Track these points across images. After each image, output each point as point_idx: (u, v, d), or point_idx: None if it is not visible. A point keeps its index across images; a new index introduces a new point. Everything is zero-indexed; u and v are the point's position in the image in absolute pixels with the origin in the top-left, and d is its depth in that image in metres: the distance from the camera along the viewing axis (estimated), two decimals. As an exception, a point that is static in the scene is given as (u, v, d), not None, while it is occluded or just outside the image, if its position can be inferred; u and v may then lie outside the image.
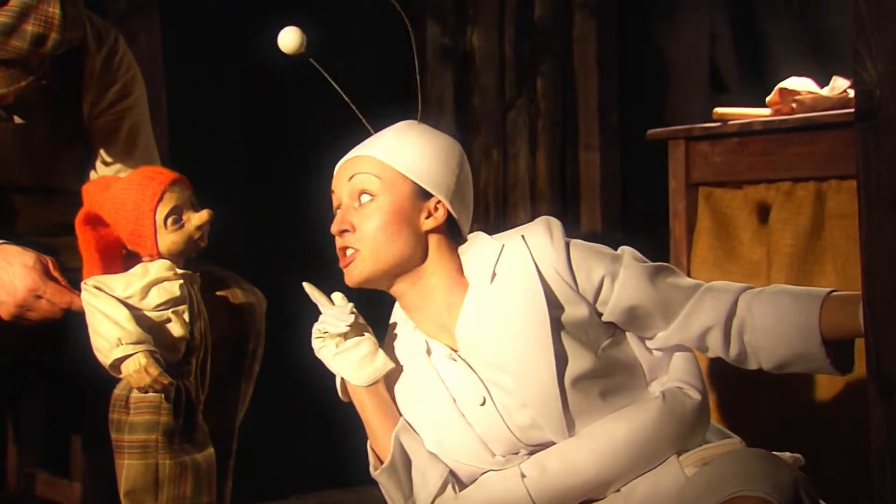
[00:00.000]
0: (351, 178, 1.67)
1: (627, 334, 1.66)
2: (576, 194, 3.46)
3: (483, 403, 1.63)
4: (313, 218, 3.34)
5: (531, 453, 1.63)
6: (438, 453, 1.67)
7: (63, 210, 2.05)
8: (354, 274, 1.66)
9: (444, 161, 1.68)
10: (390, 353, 1.72)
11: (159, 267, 1.82)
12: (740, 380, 2.41)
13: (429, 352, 1.68)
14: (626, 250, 1.67)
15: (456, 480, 1.67)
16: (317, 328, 1.70)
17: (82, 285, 1.81)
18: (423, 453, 1.66)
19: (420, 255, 1.67)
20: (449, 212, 1.68)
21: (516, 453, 1.64)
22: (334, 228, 1.68)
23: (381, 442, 1.68)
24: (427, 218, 1.67)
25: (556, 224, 1.66)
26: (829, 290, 1.61)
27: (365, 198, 1.66)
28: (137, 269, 1.82)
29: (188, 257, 1.87)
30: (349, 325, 1.66)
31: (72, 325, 1.82)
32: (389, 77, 3.23)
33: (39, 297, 1.83)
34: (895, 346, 1.33)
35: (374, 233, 1.64)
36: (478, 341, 1.64)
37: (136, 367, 1.71)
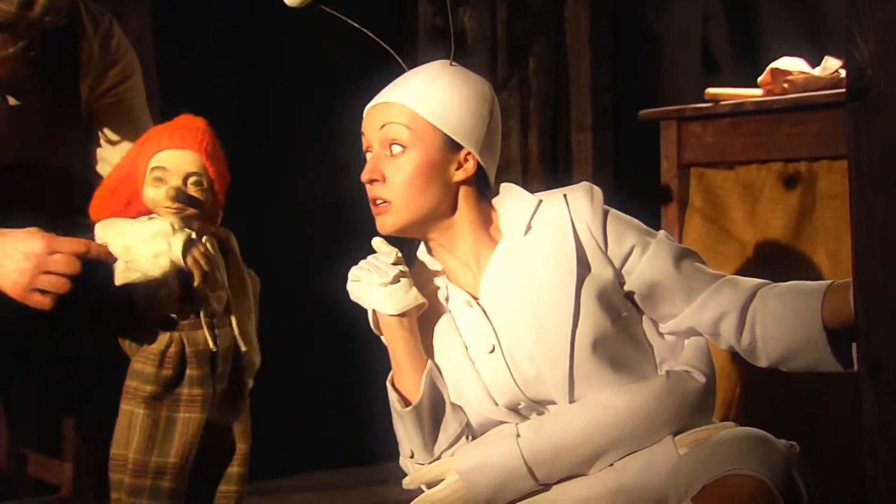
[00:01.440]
0: (382, 126, 1.66)
1: (643, 317, 1.67)
2: (568, 174, 3.46)
3: (492, 351, 1.64)
4: (307, 195, 3.37)
5: (531, 408, 1.64)
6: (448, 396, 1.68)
7: (65, 191, 2.05)
8: (386, 224, 1.67)
9: (474, 110, 1.66)
10: None
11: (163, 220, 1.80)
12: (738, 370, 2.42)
13: (447, 298, 1.69)
14: (661, 231, 1.69)
15: (469, 431, 1.68)
16: (355, 270, 1.68)
17: (95, 226, 1.82)
18: (446, 400, 1.66)
19: (450, 206, 1.67)
20: (478, 162, 1.67)
21: (517, 406, 1.64)
22: (365, 176, 1.67)
23: (406, 379, 1.67)
24: (457, 170, 1.66)
25: (597, 190, 1.69)
26: (835, 280, 1.61)
27: (396, 148, 1.65)
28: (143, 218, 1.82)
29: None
30: (394, 274, 1.65)
31: (67, 308, 1.80)
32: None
33: (54, 251, 1.78)
34: (886, 326, 1.33)
35: (405, 185, 1.64)
36: (502, 290, 1.65)
37: (197, 253, 1.74)
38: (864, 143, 1.34)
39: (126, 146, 2.14)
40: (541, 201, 1.68)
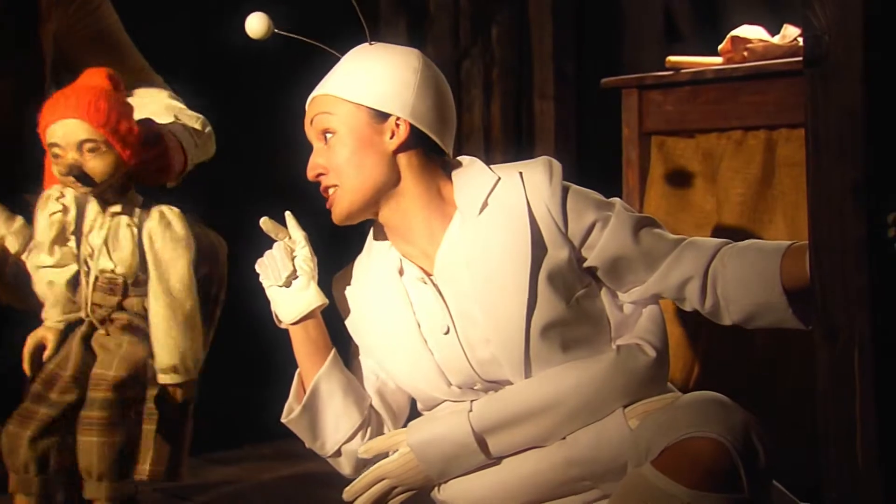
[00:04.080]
0: (311, 120, 1.69)
1: (602, 290, 1.67)
2: (531, 143, 3.45)
3: (447, 332, 1.64)
4: (269, 158, 3.34)
5: (487, 389, 1.65)
6: (397, 375, 1.71)
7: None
8: (336, 211, 1.68)
9: (395, 76, 1.66)
10: (362, 268, 1.74)
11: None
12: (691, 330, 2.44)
13: (401, 271, 1.69)
14: (616, 200, 1.69)
15: (385, 421, 1.73)
16: (257, 266, 1.73)
17: None
18: (339, 400, 1.69)
19: (393, 178, 1.66)
20: (414, 127, 1.66)
21: (472, 387, 1.65)
22: (309, 174, 1.69)
23: (304, 379, 1.73)
24: (391, 137, 1.66)
25: (556, 166, 1.67)
26: (792, 242, 1.62)
27: (328, 135, 1.67)
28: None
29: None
30: (286, 275, 1.69)
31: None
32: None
33: None
34: (840, 291, 1.35)
35: (343, 167, 1.65)
36: (455, 268, 1.64)
37: None
38: (821, 110, 1.35)
39: (129, 80, 2.08)
40: (499, 179, 1.66)
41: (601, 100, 2.74)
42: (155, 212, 1.90)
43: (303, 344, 1.71)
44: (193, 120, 2.13)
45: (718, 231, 2.42)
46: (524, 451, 1.63)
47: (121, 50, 2.16)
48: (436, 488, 1.69)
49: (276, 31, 1.72)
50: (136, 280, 1.91)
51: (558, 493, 1.62)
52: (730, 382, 2.28)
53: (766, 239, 2.26)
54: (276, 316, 1.73)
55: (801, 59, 1.39)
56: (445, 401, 1.67)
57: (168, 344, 1.88)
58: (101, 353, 1.91)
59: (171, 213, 1.91)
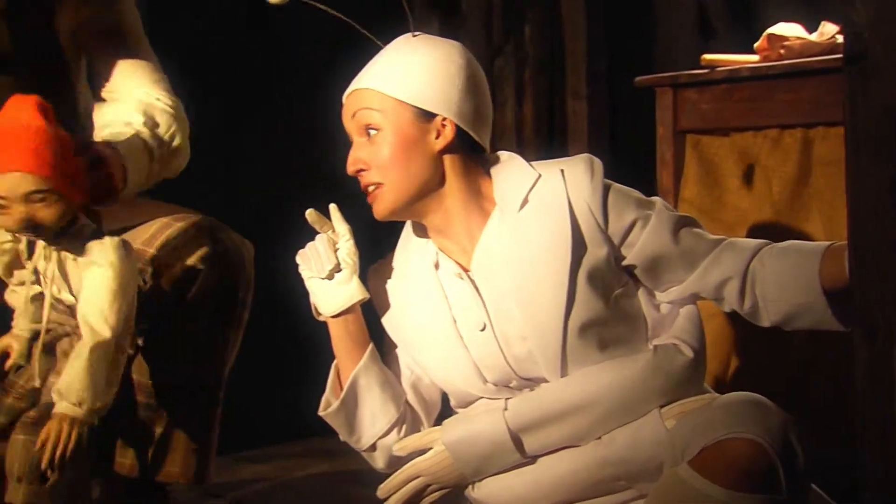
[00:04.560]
0: (354, 115, 1.66)
1: (639, 290, 1.67)
2: (563, 143, 3.45)
3: (483, 329, 1.64)
4: (295, 161, 3.36)
5: (522, 386, 1.64)
6: (432, 370, 1.70)
7: None
8: (379, 209, 1.66)
9: (441, 74, 1.64)
10: (398, 262, 1.73)
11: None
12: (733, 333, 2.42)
13: (437, 266, 1.68)
14: (657, 199, 1.68)
15: (420, 416, 1.72)
16: (298, 258, 1.72)
17: None
18: (376, 394, 1.69)
19: (438, 178, 1.65)
20: (459, 126, 1.65)
21: (508, 384, 1.65)
22: (349, 169, 1.67)
23: (341, 373, 1.72)
24: (436, 138, 1.65)
25: (597, 163, 1.66)
26: (831, 242, 1.61)
27: (371, 132, 1.65)
28: None
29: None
30: (329, 268, 1.67)
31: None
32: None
33: None
34: (879, 289, 1.34)
35: (388, 164, 1.63)
36: (493, 265, 1.64)
37: None
38: (861, 108, 1.33)
39: (124, 78, 2.07)
40: (540, 176, 1.65)
41: (634, 98, 2.73)
42: (96, 242, 1.81)
43: (341, 338, 1.70)
44: (165, 127, 2.06)
45: (754, 230, 2.40)
46: (559, 450, 1.62)
47: (132, 45, 2.12)
48: (470, 486, 1.69)
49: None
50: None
51: (593, 492, 1.61)
52: (766, 383, 2.26)
53: (803, 238, 2.24)
54: (316, 308, 1.73)
55: (839, 56, 1.38)
56: (480, 398, 1.67)
57: (69, 372, 1.78)
58: (62, 360, 1.89)
59: (111, 243, 1.81)
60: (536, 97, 3.45)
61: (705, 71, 2.48)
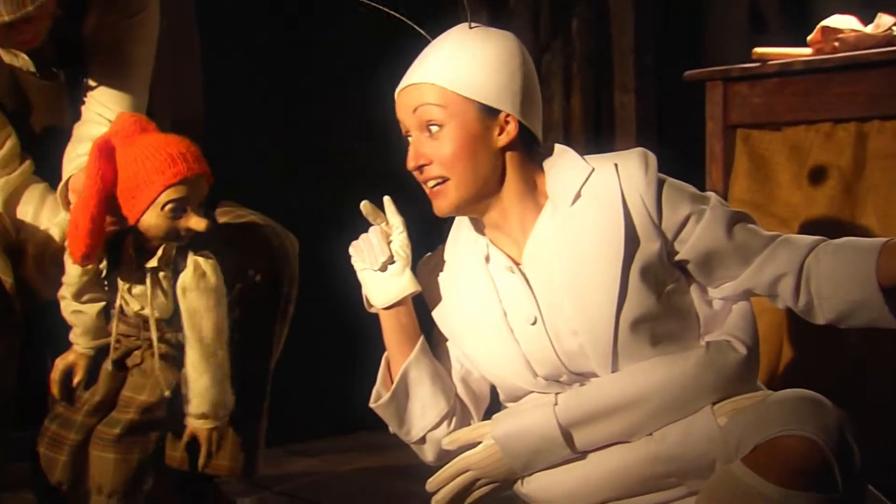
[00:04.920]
0: (415, 110, 1.63)
1: (692, 285, 1.65)
2: (611, 137, 3.43)
3: (534, 323, 1.63)
4: (343, 159, 3.38)
5: (572, 381, 1.63)
6: (481, 364, 1.70)
7: None
8: (443, 205, 1.65)
9: (503, 69, 1.62)
10: (449, 254, 1.73)
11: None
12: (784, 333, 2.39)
13: (487, 259, 1.68)
14: (712, 194, 1.66)
15: (469, 409, 1.72)
16: (352, 249, 1.71)
17: None
18: (427, 387, 1.69)
19: (499, 174, 1.64)
20: (520, 122, 1.64)
21: (558, 379, 1.64)
22: (410, 164, 1.65)
23: (392, 365, 1.72)
24: (500, 134, 1.63)
25: (652, 157, 1.64)
26: (889, 238, 1.58)
27: (433, 128, 1.62)
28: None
29: (164, 243, 1.86)
30: (383, 260, 1.67)
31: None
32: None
33: None
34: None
35: (454, 162, 1.61)
36: (545, 258, 1.63)
37: None
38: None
39: (106, 103, 2.05)
40: (593, 169, 1.64)
41: (683, 93, 2.70)
42: (190, 261, 1.87)
43: (393, 330, 1.70)
44: None
45: (806, 226, 2.37)
46: (609, 446, 1.61)
47: (129, 66, 2.09)
48: (519, 481, 1.68)
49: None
50: (171, 319, 1.92)
51: (643, 489, 1.60)
52: (818, 381, 2.23)
53: (857, 234, 2.21)
54: (367, 300, 1.72)
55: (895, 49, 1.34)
56: (530, 392, 1.66)
57: (199, 392, 1.89)
58: (134, 375, 1.94)
59: (206, 263, 1.88)
60: (584, 92, 3.43)
61: (757, 64, 2.45)
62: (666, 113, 3.44)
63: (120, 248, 1.87)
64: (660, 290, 1.60)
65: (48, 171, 2.06)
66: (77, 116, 2.08)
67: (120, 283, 1.88)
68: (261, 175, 3.15)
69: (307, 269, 2.19)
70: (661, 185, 1.62)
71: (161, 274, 1.87)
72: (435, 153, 1.62)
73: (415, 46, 1.70)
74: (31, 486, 1.97)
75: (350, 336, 2.76)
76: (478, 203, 1.65)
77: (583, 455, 1.62)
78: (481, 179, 1.62)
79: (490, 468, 1.65)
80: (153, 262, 1.86)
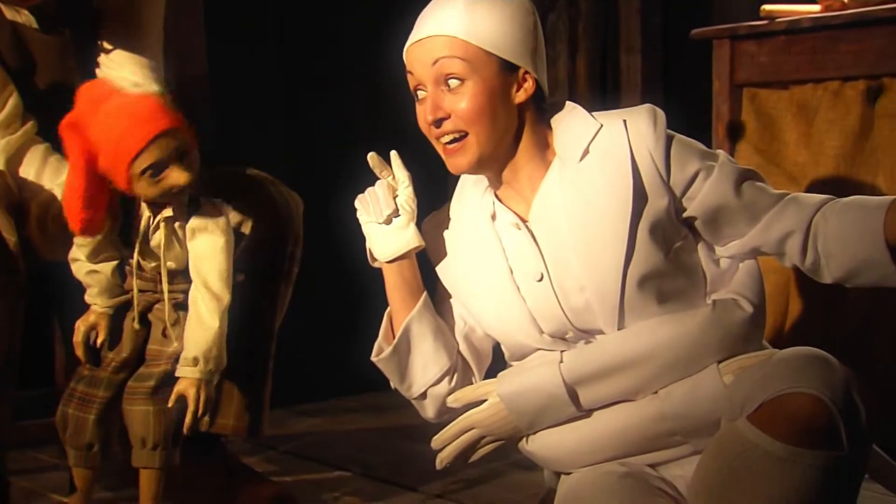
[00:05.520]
0: (434, 62, 1.59)
1: (699, 244, 1.64)
2: (616, 97, 3.40)
3: (540, 279, 1.62)
4: (346, 121, 3.36)
5: (577, 339, 1.63)
6: (487, 321, 1.69)
7: None
8: (461, 162, 1.61)
9: (521, 26, 1.60)
10: (454, 211, 1.71)
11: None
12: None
13: (493, 216, 1.66)
14: (720, 152, 1.64)
15: (471, 367, 1.72)
16: (357, 202, 1.70)
17: None
18: (429, 343, 1.68)
19: (515, 131, 1.62)
20: (536, 80, 1.62)
21: (564, 336, 1.64)
22: (429, 118, 1.60)
23: (394, 320, 1.71)
24: (517, 91, 1.61)
25: (660, 114, 1.62)
26: None
27: (453, 82, 1.58)
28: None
29: (165, 201, 1.85)
30: (387, 213, 1.66)
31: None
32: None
33: None
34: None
35: (474, 116, 1.58)
36: (552, 215, 1.61)
37: None
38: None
39: (122, 59, 2.07)
40: (601, 126, 1.62)
41: (689, 52, 2.68)
42: (205, 210, 1.88)
43: (396, 284, 1.69)
44: None
45: (813, 185, 2.36)
46: (615, 404, 1.61)
47: (141, 26, 2.10)
48: (524, 439, 1.68)
49: None
50: (185, 271, 1.91)
51: (648, 447, 1.60)
52: (824, 340, 2.23)
53: (863, 192, 2.20)
54: (371, 253, 1.71)
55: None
56: (536, 350, 1.66)
57: (197, 337, 1.87)
58: (157, 327, 1.93)
59: (216, 209, 1.89)
60: (589, 52, 3.40)
61: (764, 22, 2.43)
62: (672, 73, 3.42)
63: (133, 204, 1.87)
64: (667, 247, 1.59)
65: (54, 129, 2.05)
66: (85, 76, 2.06)
67: (139, 243, 1.88)
68: (264, 134, 3.14)
69: (312, 229, 2.18)
70: (669, 141, 1.60)
71: (177, 224, 1.87)
72: (454, 108, 1.59)
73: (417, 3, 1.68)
74: (63, 453, 1.97)
75: (355, 297, 2.77)
76: (494, 161, 1.63)
77: (588, 413, 1.62)
78: (500, 136, 1.60)
79: (495, 426, 1.65)
80: (168, 212, 1.86)
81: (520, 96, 1.61)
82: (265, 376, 2.13)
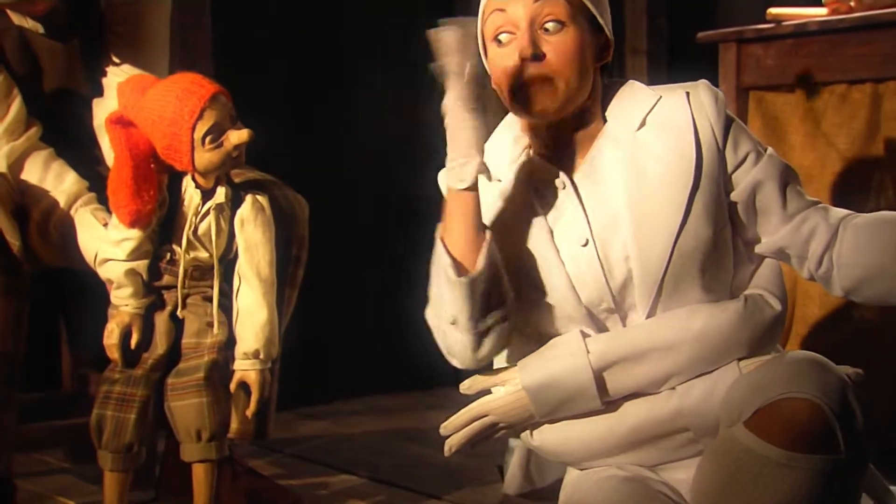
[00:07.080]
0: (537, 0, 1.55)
1: (734, 239, 1.61)
2: (622, 100, 3.40)
3: (585, 244, 1.58)
4: (355, 124, 3.36)
5: (609, 312, 1.59)
6: (522, 282, 1.60)
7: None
8: (549, 104, 1.55)
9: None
10: (491, 165, 1.57)
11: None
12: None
13: (533, 173, 1.62)
14: (769, 148, 1.63)
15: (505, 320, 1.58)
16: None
17: None
18: (501, 276, 1.56)
19: (587, 94, 1.59)
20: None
21: (599, 306, 1.58)
22: (524, 52, 1.54)
23: (461, 250, 1.54)
24: (599, 52, 1.60)
25: (720, 92, 1.62)
26: None
27: (553, 25, 1.55)
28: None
29: (224, 172, 1.87)
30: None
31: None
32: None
33: None
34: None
35: (571, 63, 1.54)
36: (603, 179, 1.59)
37: None
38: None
39: (126, 68, 2.07)
40: (660, 97, 1.60)
41: (695, 55, 2.68)
42: (248, 197, 1.90)
43: (466, 212, 1.54)
44: None
45: (819, 188, 2.35)
46: (632, 398, 1.57)
47: (146, 46, 2.11)
48: (528, 432, 1.64)
49: None
50: (221, 260, 1.91)
51: (659, 444, 1.57)
52: (831, 342, 2.23)
53: (869, 195, 2.20)
54: (448, 183, 1.55)
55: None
56: (561, 322, 1.59)
57: (254, 329, 1.88)
58: (191, 321, 1.92)
59: (262, 198, 1.91)
60: (595, 54, 3.40)
61: (771, 25, 2.42)
62: (678, 75, 3.41)
63: (177, 195, 1.88)
64: (714, 227, 1.57)
65: (60, 135, 2.06)
66: (93, 83, 2.07)
67: (187, 232, 1.87)
68: (271, 137, 3.14)
69: (318, 232, 2.18)
70: (729, 118, 1.60)
71: (223, 214, 1.88)
72: (552, 50, 1.54)
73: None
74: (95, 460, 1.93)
75: (361, 300, 2.78)
76: (566, 114, 1.58)
77: (605, 409, 1.58)
78: (580, 91, 1.57)
79: (512, 415, 1.60)
80: (221, 197, 1.87)
81: (601, 58, 1.60)
82: (271, 380, 2.13)
